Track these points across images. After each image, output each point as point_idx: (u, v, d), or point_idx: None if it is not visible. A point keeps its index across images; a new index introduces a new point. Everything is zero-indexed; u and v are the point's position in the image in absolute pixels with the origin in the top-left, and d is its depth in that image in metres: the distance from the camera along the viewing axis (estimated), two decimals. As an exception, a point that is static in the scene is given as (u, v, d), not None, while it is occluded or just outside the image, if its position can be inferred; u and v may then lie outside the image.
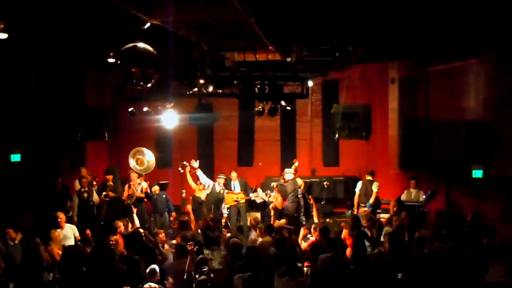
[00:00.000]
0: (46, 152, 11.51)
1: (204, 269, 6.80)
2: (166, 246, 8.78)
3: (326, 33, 9.71)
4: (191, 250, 6.90)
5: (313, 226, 9.51)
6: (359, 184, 11.90)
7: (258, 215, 11.64)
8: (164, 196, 11.53)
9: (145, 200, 11.45)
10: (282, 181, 11.48)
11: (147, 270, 6.64)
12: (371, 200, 11.61)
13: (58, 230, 8.77)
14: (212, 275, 6.76)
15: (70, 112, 11.72)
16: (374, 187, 11.68)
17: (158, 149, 12.77)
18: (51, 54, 10.83)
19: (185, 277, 6.63)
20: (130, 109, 11.83)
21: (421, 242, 7.71)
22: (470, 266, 7.31)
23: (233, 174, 12.33)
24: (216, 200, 11.58)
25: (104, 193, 11.19)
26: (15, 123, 10.81)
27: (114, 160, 14.25)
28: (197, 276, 6.66)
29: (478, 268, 7.42)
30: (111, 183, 11.66)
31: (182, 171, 11.56)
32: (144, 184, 11.31)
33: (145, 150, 11.38)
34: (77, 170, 11.94)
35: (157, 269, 6.68)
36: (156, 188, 11.40)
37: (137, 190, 11.19)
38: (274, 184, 11.52)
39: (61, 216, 9.06)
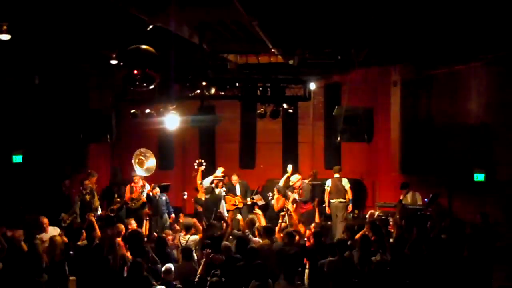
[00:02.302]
0: (48, 153, 11.52)
1: (217, 272, 6.83)
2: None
3: (328, 36, 9.72)
4: (206, 254, 7.07)
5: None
6: (329, 182, 12.09)
7: (255, 217, 11.60)
8: (164, 198, 11.50)
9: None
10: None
11: (163, 269, 6.78)
12: (349, 196, 11.84)
13: (43, 234, 8.59)
14: (223, 279, 6.77)
15: (72, 113, 11.71)
16: (345, 184, 11.93)
17: (160, 151, 12.75)
18: (53, 55, 10.85)
19: (196, 279, 6.74)
20: (132, 111, 11.82)
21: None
22: (474, 270, 7.29)
23: (234, 178, 12.33)
24: (216, 202, 11.52)
25: (110, 207, 11.16)
26: (17, 124, 10.83)
27: (116, 162, 14.24)
28: (208, 278, 6.71)
29: (482, 273, 7.41)
30: (118, 200, 11.58)
31: (196, 167, 11.45)
32: (148, 187, 11.29)
33: (151, 155, 11.33)
34: (89, 174, 11.86)
35: (173, 268, 6.80)
36: (156, 190, 11.38)
37: (142, 194, 11.10)
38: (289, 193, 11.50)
39: (45, 220, 8.86)
